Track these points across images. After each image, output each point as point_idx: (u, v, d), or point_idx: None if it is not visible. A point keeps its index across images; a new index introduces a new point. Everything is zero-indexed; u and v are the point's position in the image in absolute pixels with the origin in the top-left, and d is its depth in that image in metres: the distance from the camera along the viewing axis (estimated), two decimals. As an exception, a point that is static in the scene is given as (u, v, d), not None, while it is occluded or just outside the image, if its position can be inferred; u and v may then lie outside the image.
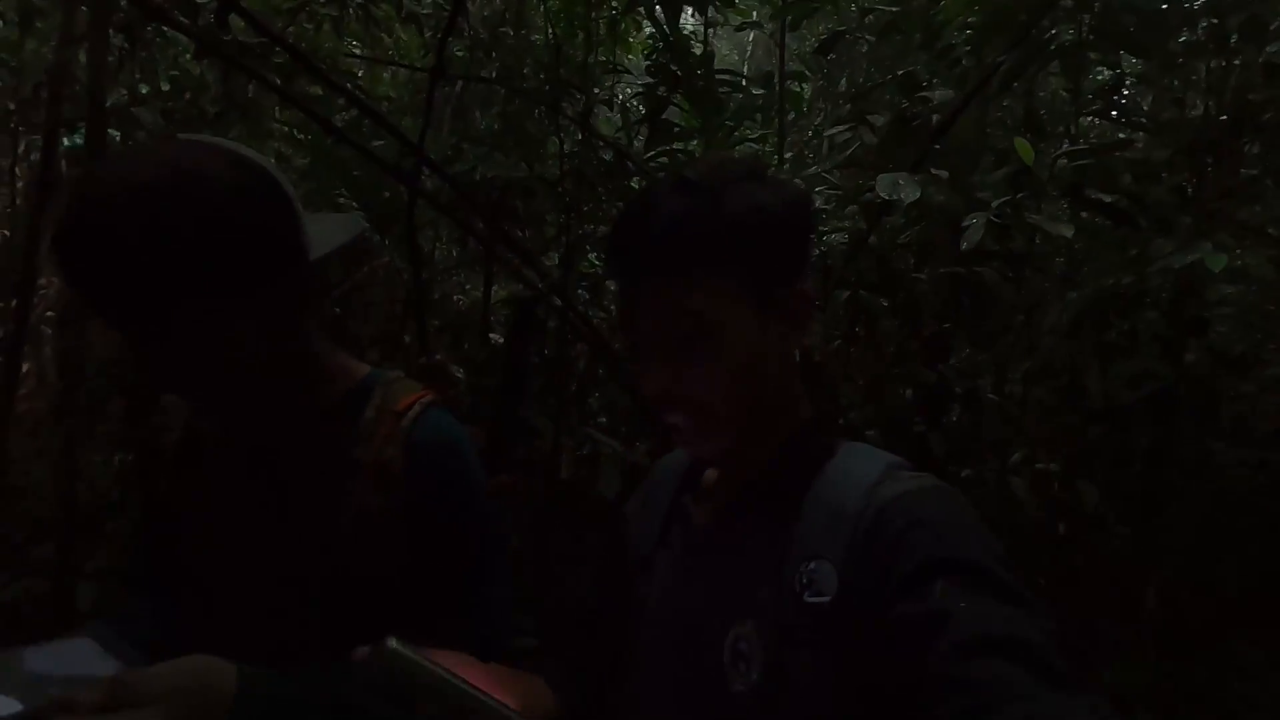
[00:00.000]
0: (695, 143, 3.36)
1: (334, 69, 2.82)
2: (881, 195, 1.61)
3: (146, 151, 0.74)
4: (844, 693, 0.60)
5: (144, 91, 3.91)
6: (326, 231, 0.84)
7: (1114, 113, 2.17)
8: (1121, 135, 2.15)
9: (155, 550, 0.92)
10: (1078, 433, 2.52)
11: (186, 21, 1.78)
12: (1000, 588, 0.57)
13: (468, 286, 4.37)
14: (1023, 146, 1.61)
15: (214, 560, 0.85)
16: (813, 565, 0.64)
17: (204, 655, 0.63)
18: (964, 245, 1.63)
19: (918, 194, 1.56)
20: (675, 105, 2.95)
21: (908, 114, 1.92)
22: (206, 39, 1.78)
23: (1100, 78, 2.10)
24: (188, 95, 3.58)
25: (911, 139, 1.90)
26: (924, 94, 1.88)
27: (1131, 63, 2.15)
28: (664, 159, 3.10)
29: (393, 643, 0.55)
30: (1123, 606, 2.19)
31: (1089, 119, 2.34)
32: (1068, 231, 1.59)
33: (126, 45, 2.10)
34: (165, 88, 3.94)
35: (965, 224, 1.65)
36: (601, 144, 2.59)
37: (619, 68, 3.71)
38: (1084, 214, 1.97)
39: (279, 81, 2.03)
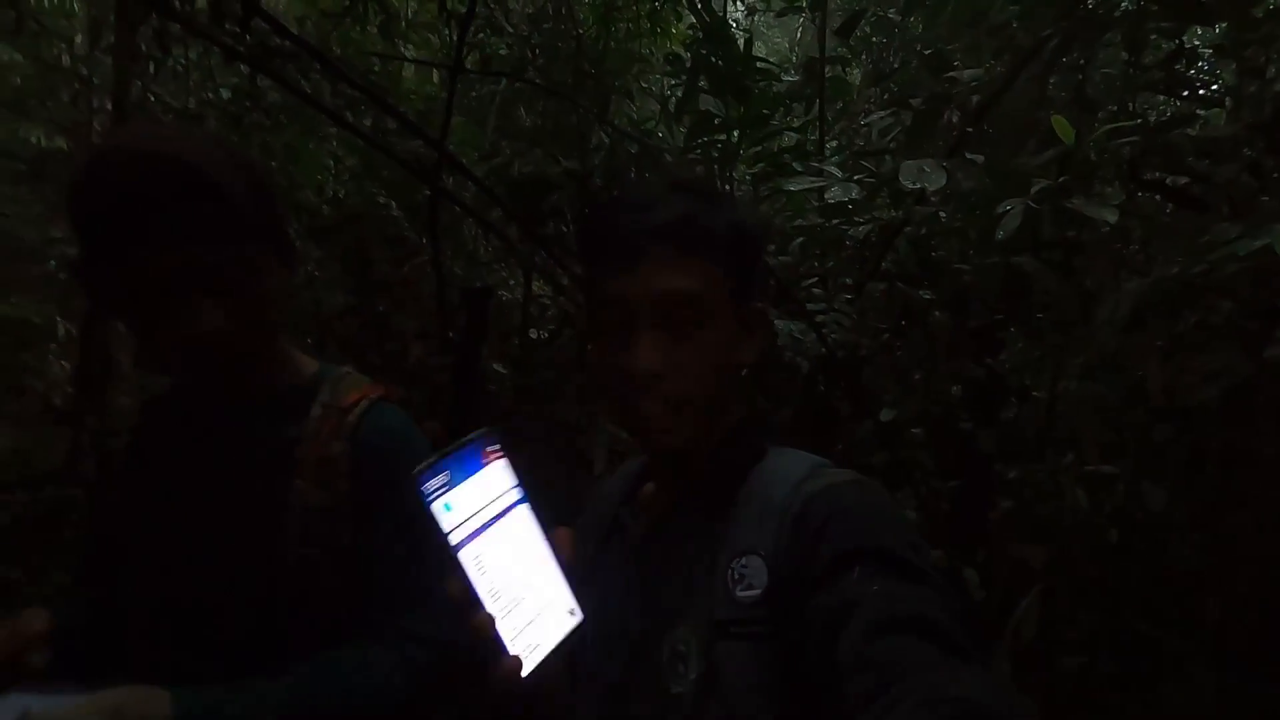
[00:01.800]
0: (735, 134, 3.30)
1: (361, 69, 2.87)
2: (906, 184, 1.52)
3: (172, 126, 0.85)
4: (778, 683, 0.62)
5: (209, 98, 4.10)
6: None
7: (1183, 90, 1.99)
8: (1170, 110, 1.96)
9: (102, 549, 0.95)
10: (1142, 433, 2.35)
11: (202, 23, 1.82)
12: (911, 571, 0.60)
13: (511, 282, 4.42)
14: (1061, 124, 1.48)
15: (159, 558, 0.86)
16: (744, 561, 0.67)
17: (135, 686, 0.65)
18: (999, 234, 1.52)
19: (943, 180, 1.46)
20: (708, 94, 2.90)
21: (937, 95, 1.81)
22: (228, 44, 1.83)
23: (1162, 47, 1.92)
24: (248, 103, 3.74)
25: (942, 122, 1.79)
26: (952, 74, 1.76)
27: (1198, 33, 1.98)
28: (699, 150, 3.04)
29: None
30: (1186, 620, 2.03)
31: (1150, 95, 2.16)
32: (1111, 217, 1.46)
33: (158, 53, 2.19)
34: (226, 95, 4.13)
35: (999, 210, 1.54)
36: (619, 135, 2.55)
37: (653, 58, 3.67)
38: (1141, 196, 1.82)
39: (304, 83, 2.06)
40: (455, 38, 2.18)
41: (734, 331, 0.76)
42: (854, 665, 0.54)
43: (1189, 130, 1.73)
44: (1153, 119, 1.85)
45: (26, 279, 4.44)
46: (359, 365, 0.99)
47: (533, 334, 3.57)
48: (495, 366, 3.74)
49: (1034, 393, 2.21)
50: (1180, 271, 1.92)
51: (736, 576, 0.66)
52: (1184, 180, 1.76)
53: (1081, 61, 1.93)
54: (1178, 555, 2.08)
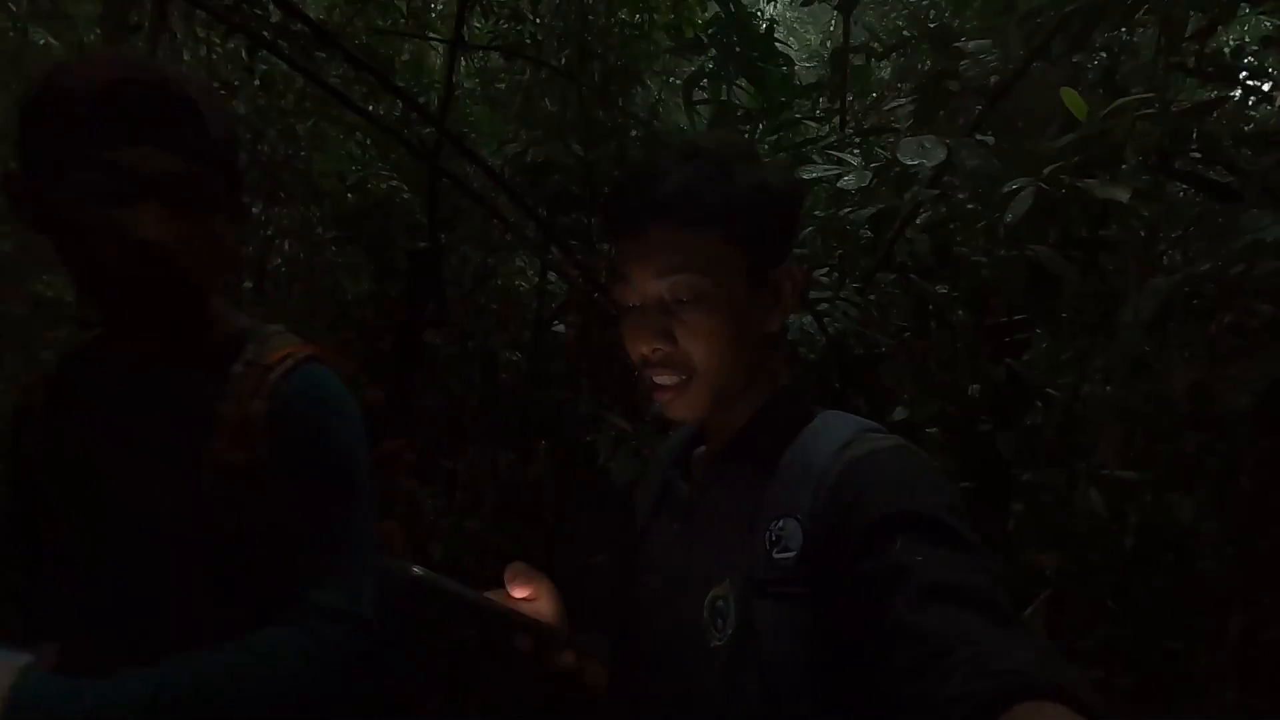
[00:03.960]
0: (762, 125, 3.24)
1: (384, 54, 2.87)
2: (904, 161, 1.45)
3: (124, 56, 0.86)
4: (811, 644, 0.64)
5: (236, 84, 4.16)
6: None
7: (1219, 75, 1.87)
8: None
9: (23, 511, 0.91)
10: (1169, 439, 2.24)
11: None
12: (954, 539, 0.60)
13: (530, 272, 4.41)
14: (1071, 98, 1.39)
15: (75, 522, 0.83)
16: (781, 523, 0.68)
17: None
18: (1008, 218, 1.45)
19: (942, 156, 1.39)
20: (721, 79, 2.85)
21: (942, 71, 1.73)
22: (229, 17, 1.82)
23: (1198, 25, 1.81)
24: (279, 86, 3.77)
25: (959, 104, 1.71)
26: (958, 45, 1.68)
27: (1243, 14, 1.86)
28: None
29: (417, 570, 0.58)
30: (1210, 636, 1.92)
31: (1192, 85, 2.04)
32: (1123, 196, 1.37)
33: (167, 31, 2.21)
34: (256, 83, 4.18)
35: (1007, 189, 1.46)
36: (636, 122, 2.51)
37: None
38: (1180, 191, 1.71)
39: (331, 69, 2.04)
40: (458, 11, 2.15)
41: (751, 299, 0.75)
42: (901, 634, 0.54)
43: (1224, 122, 1.62)
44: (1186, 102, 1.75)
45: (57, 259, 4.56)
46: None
47: (557, 326, 3.55)
48: (509, 355, 3.73)
49: (1048, 391, 2.11)
50: (1212, 269, 1.81)
51: (774, 539, 0.68)
52: (1223, 174, 1.65)
53: (1117, 50, 1.83)
54: (1203, 567, 1.98)
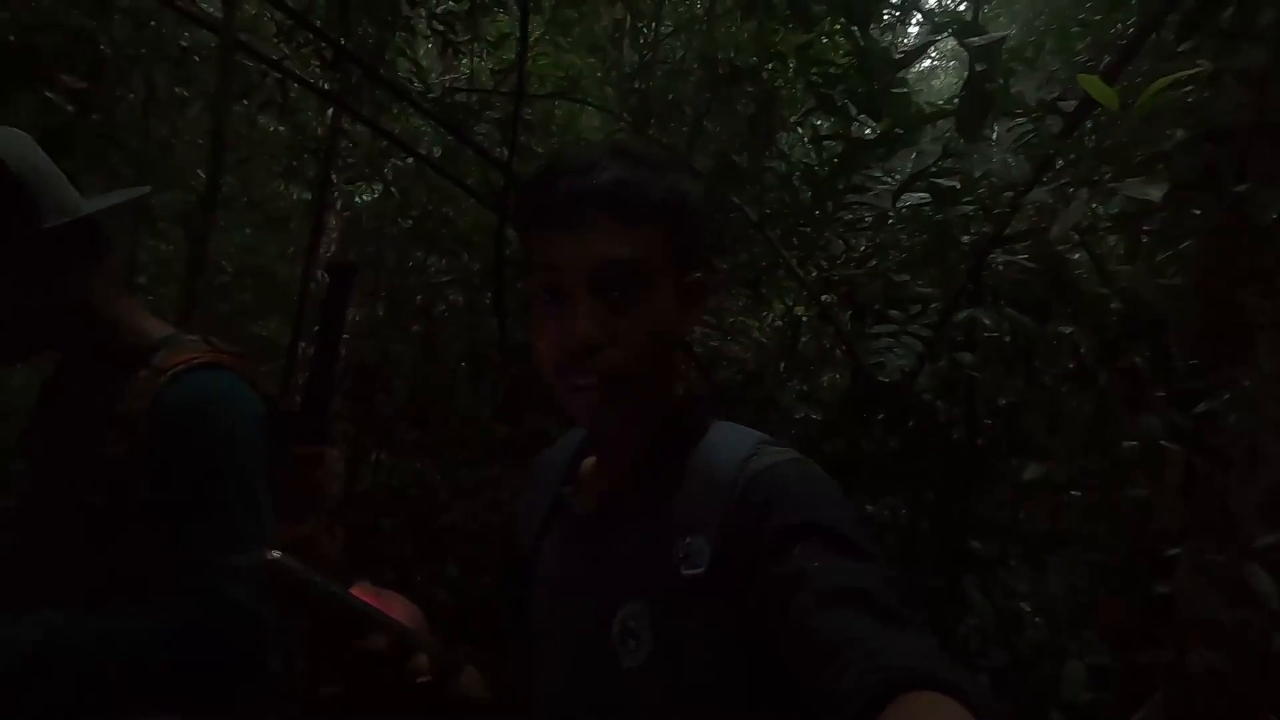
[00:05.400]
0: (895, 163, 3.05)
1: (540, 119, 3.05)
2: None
3: None
4: (727, 656, 0.65)
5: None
6: (107, 196, 0.95)
7: None
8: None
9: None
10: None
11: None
12: (850, 546, 0.62)
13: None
14: (1092, 83, 1.13)
15: (23, 493, 0.99)
16: (689, 540, 0.68)
17: None
18: (1054, 232, 1.21)
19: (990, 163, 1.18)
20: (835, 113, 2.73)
21: (980, 74, 1.49)
22: (309, 82, 2.06)
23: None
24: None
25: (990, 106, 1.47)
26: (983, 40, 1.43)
27: None
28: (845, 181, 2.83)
29: (273, 554, 0.60)
30: None
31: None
32: (1156, 195, 1.10)
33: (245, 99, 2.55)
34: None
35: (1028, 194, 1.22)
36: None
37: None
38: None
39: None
40: (518, 59, 2.27)
41: (673, 302, 0.75)
42: (800, 638, 0.57)
43: None
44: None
45: (276, 307, 5.40)
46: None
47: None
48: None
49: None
50: None
51: (682, 555, 0.68)
52: None
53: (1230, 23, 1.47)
54: None
